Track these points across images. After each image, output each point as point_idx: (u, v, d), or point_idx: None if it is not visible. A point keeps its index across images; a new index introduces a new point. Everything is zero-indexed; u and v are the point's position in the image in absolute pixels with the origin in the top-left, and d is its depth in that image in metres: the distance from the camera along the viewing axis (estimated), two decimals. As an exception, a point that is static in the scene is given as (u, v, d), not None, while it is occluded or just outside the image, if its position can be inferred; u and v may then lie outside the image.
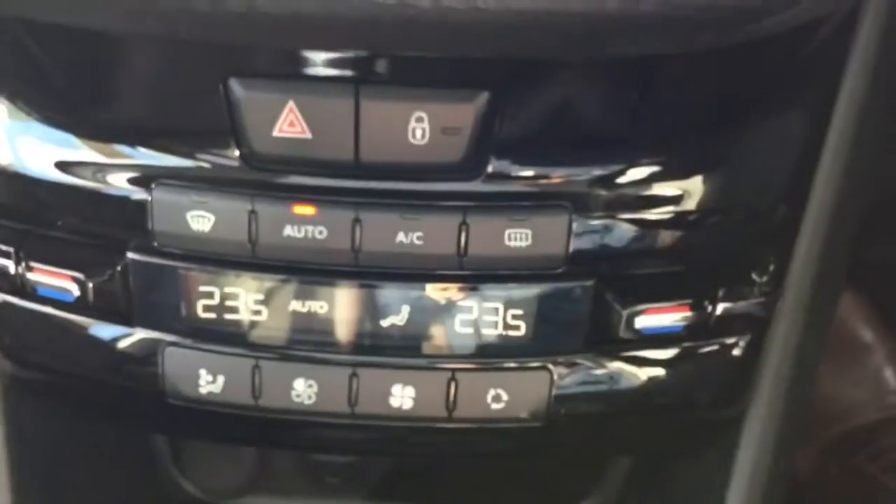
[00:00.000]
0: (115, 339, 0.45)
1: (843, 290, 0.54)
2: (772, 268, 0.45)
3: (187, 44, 0.40)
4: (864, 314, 0.88)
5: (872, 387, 0.87)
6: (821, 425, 0.86)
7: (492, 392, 0.44)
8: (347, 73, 0.40)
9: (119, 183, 0.42)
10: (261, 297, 0.43)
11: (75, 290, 0.43)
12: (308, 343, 0.44)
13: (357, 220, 0.41)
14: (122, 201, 0.42)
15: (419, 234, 0.42)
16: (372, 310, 0.43)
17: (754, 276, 0.45)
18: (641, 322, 0.43)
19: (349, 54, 0.40)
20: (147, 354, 0.44)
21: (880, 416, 0.86)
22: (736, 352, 0.45)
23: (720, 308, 0.44)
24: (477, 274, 0.43)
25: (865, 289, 0.87)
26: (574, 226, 0.42)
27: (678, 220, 0.43)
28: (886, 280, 0.83)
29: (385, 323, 0.43)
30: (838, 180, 0.46)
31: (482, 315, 0.43)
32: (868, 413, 0.86)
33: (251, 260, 0.42)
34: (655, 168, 0.42)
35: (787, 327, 0.46)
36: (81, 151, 0.42)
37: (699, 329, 0.44)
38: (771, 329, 0.46)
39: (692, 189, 0.43)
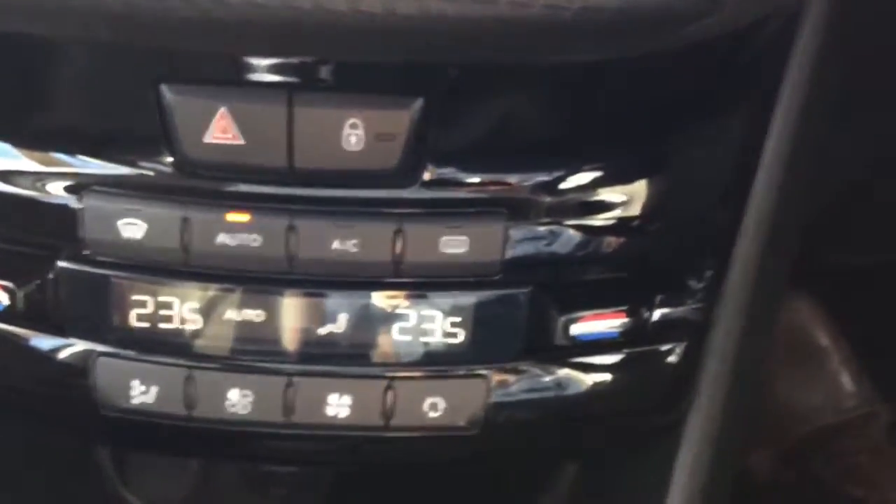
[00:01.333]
0: (47, 349, 0.44)
1: (784, 296, 0.54)
2: (709, 274, 0.45)
3: (117, 49, 0.39)
4: (821, 319, 0.89)
5: (829, 391, 0.88)
6: (778, 430, 0.87)
7: (429, 400, 0.43)
8: (280, 78, 0.40)
9: (49, 190, 0.42)
10: (194, 305, 0.42)
11: (5, 299, 0.43)
12: (243, 352, 0.43)
13: (292, 228, 0.41)
14: (52, 209, 0.42)
15: (355, 241, 0.41)
16: (308, 318, 0.43)
17: (691, 283, 0.45)
18: (577, 329, 0.43)
19: (282, 60, 0.40)
20: (79, 364, 0.43)
21: (837, 421, 0.87)
22: (673, 358, 0.45)
23: (657, 314, 0.44)
24: (414, 281, 0.43)
25: (821, 294, 0.88)
26: (510, 233, 0.42)
27: (614, 227, 0.43)
28: (841, 285, 0.84)
29: (322, 331, 0.43)
30: (776, 187, 0.46)
31: (420, 322, 0.43)
32: (825, 417, 0.87)
33: (184, 268, 0.42)
34: (591, 175, 0.42)
35: (725, 333, 0.46)
36: (10, 158, 0.42)
37: (636, 335, 0.44)
38: (709, 335, 0.46)
39: (628, 196, 0.43)
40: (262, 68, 0.39)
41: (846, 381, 0.89)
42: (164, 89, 0.39)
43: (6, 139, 0.41)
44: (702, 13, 0.31)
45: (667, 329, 0.45)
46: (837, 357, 0.91)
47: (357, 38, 0.32)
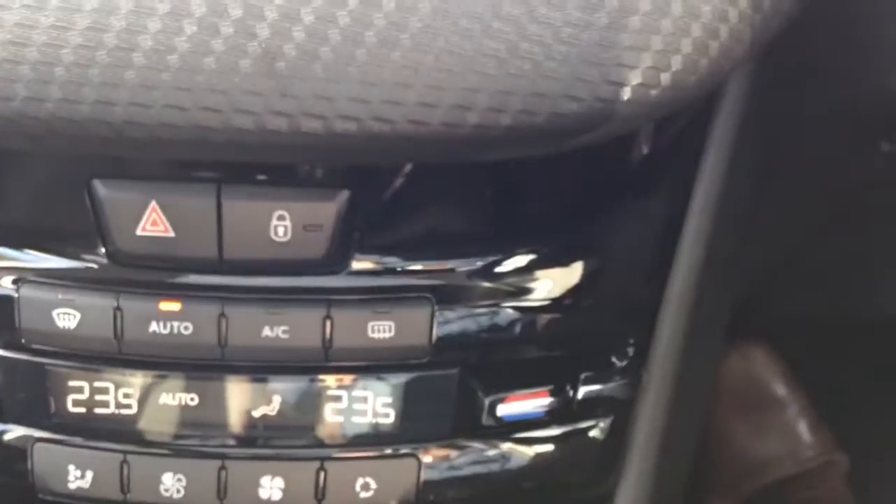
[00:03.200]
0: (-12, 439, 0.45)
1: (714, 365, 0.56)
2: (632, 351, 0.47)
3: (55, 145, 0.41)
4: (777, 369, 0.91)
5: (787, 441, 0.89)
6: (736, 480, 0.88)
7: (360, 480, 0.44)
8: (209, 174, 0.41)
9: None
10: (128, 391, 0.43)
11: (-57, 389, 0.44)
12: (177, 436, 0.44)
13: (222, 315, 0.42)
14: None
15: (285, 327, 0.42)
16: (240, 402, 0.44)
17: (615, 360, 0.46)
18: (503, 409, 0.44)
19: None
20: (16, 450, 0.44)
21: (795, 471, 0.88)
22: (599, 433, 0.46)
23: (582, 392, 0.45)
24: (344, 365, 0.44)
25: (777, 344, 0.89)
26: (436, 317, 0.43)
27: (538, 310, 0.44)
28: (797, 334, 0.86)
29: (254, 414, 0.44)
30: (698, 263, 0.47)
31: (350, 404, 0.44)
32: (783, 467, 0.88)
33: (118, 356, 0.43)
34: (515, 261, 0.44)
35: (652, 407, 0.48)
36: None
37: (561, 414, 0.45)
38: (635, 409, 0.47)
39: (553, 280, 0.44)
40: (191, 164, 0.41)
41: (804, 430, 0.90)
42: (97, 185, 0.41)
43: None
44: (592, 125, 0.33)
45: (593, 406, 0.46)
46: (795, 406, 0.92)
47: (267, 150, 0.34)
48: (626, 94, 0.32)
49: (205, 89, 0.31)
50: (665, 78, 0.32)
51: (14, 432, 0.44)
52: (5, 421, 0.44)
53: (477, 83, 0.32)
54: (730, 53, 0.32)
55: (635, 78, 0.32)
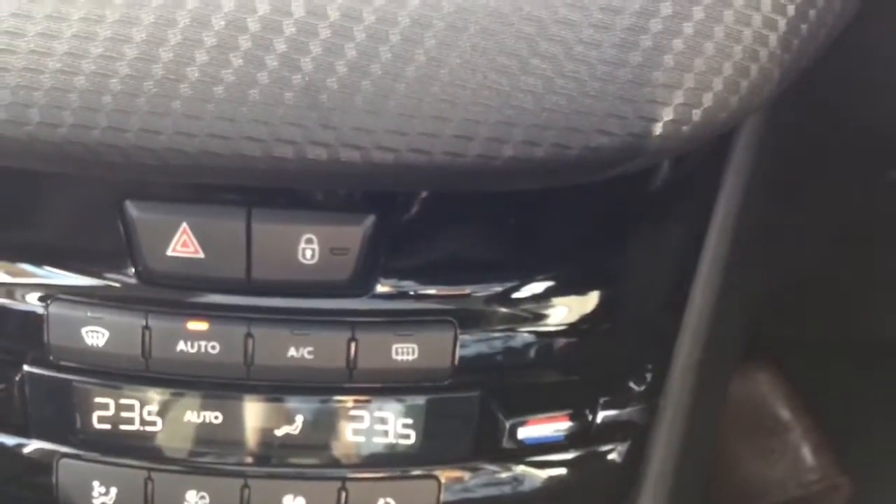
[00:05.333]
0: (11, 450, 0.45)
1: (727, 391, 0.56)
2: (649, 377, 0.47)
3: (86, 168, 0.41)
4: (781, 392, 0.91)
5: (791, 465, 0.90)
6: (739, 502, 0.88)
7: (381, 501, 0.45)
8: (239, 197, 0.42)
9: (17, 298, 0.43)
10: (154, 409, 0.44)
11: (-29, 403, 0.45)
12: (200, 454, 0.45)
13: (249, 336, 0.43)
14: (20, 316, 0.43)
15: (310, 348, 0.43)
16: (264, 421, 0.44)
17: (633, 385, 0.47)
18: (524, 433, 0.45)
19: None
20: (42, 465, 0.45)
21: (798, 494, 0.88)
22: (616, 457, 0.47)
23: (600, 417, 0.46)
24: (367, 386, 0.44)
25: (782, 367, 0.90)
26: (459, 340, 0.44)
27: (559, 335, 0.45)
28: (801, 358, 0.86)
29: (278, 433, 0.45)
30: (715, 290, 0.48)
31: (372, 425, 0.45)
32: (786, 490, 0.89)
33: (145, 374, 0.44)
34: (537, 287, 0.44)
35: (669, 431, 0.48)
36: None
37: (580, 438, 0.46)
38: (652, 434, 0.48)
39: (572, 306, 0.45)
40: (222, 187, 0.42)
41: (808, 454, 0.91)
42: (129, 206, 0.41)
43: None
44: (623, 159, 0.33)
45: (611, 430, 0.47)
46: (799, 430, 0.92)
47: (305, 179, 0.35)
48: (658, 129, 0.33)
49: (248, 120, 0.32)
50: (696, 114, 0.33)
51: (40, 448, 0.45)
52: (31, 436, 0.45)
53: (513, 117, 0.32)
54: (759, 91, 0.33)
55: (667, 115, 0.33)
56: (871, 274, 0.74)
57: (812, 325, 0.82)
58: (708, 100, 0.33)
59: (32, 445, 0.45)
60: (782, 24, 0.33)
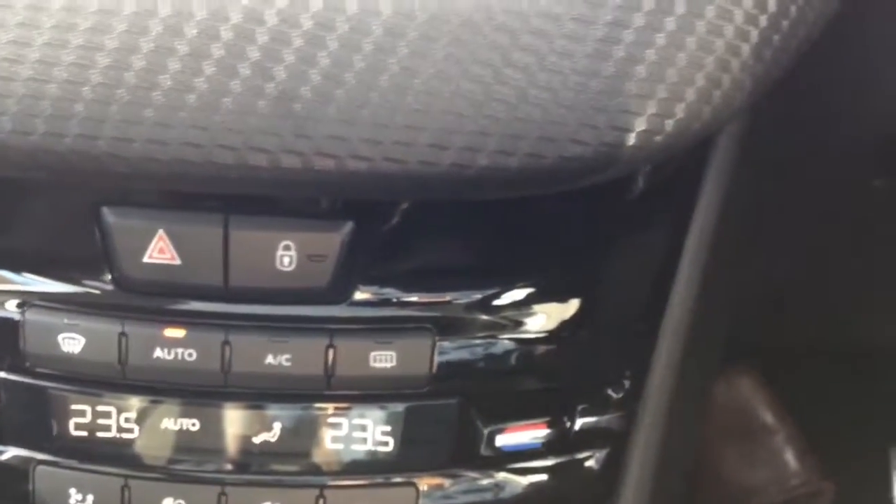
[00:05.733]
0: (-11, 459, 0.46)
1: (706, 398, 0.57)
2: (628, 384, 0.47)
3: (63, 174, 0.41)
4: (764, 397, 0.92)
5: (774, 469, 0.90)
6: (724, 507, 0.89)
7: (359, 508, 0.45)
8: (216, 203, 0.41)
9: None
10: (131, 416, 0.44)
11: (-53, 411, 0.44)
12: (178, 461, 0.44)
13: (226, 343, 0.43)
14: None
15: (287, 355, 0.43)
16: (242, 429, 0.44)
17: (611, 392, 0.47)
18: (502, 440, 0.45)
19: None
20: (18, 472, 0.44)
21: (782, 499, 0.89)
22: (594, 465, 0.47)
23: (578, 424, 0.46)
24: (345, 394, 0.44)
25: (765, 372, 0.90)
26: (437, 347, 0.44)
27: (537, 342, 0.45)
28: (783, 363, 0.87)
29: (255, 441, 0.45)
30: (693, 298, 0.48)
31: (351, 432, 0.45)
32: (770, 495, 0.89)
33: (122, 381, 0.43)
34: (513, 294, 0.44)
35: (647, 438, 0.48)
36: None
37: (558, 445, 0.46)
38: (630, 441, 0.48)
39: (550, 313, 0.45)
40: (199, 194, 0.42)
41: (791, 458, 0.91)
42: (105, 212, 0.41)
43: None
44: (597, 169, 0.33)
45: (589, 437, 0.46)
46: (782, 435, 0.93)
47: (279, 186, 0.35)
48: (631, 139, 0.33)
49: (221, 128, 0.32)
50: (669, 125, 0.33)
51: (16, 455, 0.45)
52: (7, 443, 0.45)
53: (486, 127, 0.32)
54: (731, 101, 0.33)
55: (640, 125, 0.33)
56: (851, 280, 0.74)
57: (792, 331, 0.83)
58: (680, 110, 0.33)
59: (8, 453, 0.45)
60: (754, 34, 0.33)
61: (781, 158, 0.53)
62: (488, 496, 0.46)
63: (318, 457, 0.45)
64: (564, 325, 0.45)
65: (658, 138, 0.33)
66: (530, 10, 0.31)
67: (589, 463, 0.47)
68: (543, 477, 0.46)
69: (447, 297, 0.44)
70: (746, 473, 0.90)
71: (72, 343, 0.43)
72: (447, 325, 0.44)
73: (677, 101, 0.33)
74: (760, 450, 0.91)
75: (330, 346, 0.43)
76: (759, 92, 0.34)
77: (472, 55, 0.32)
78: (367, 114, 0.32)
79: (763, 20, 0.33)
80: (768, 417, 0.92)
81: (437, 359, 0.44)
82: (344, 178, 0.33)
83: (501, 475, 0.46)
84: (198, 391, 0.44)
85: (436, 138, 0.32)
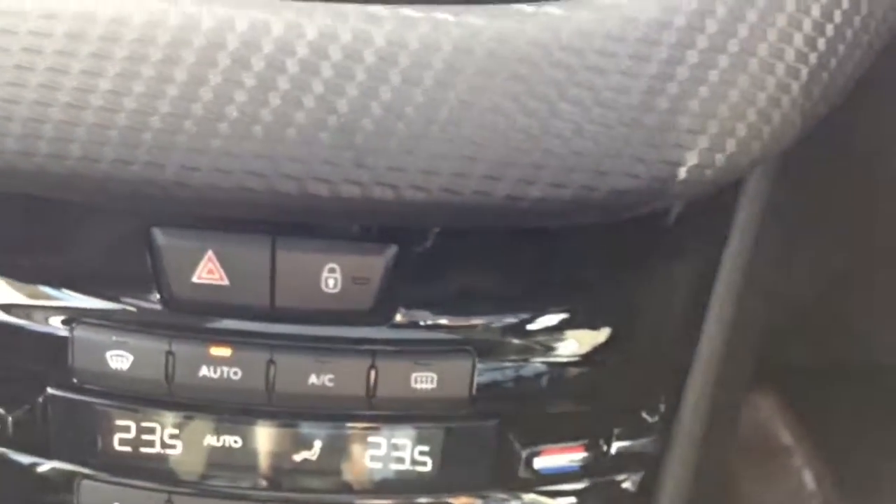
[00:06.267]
0: (33, 471, 0.46)
1: (738, 422, 0.57)
2: (663, 408, 0.48)
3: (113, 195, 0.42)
4: (784, 417, 0.92)
5: (792, 490, 0.90)
6: (741, 527, 0.89)
7: (397, 527, 0.46)
8: (264, 226, 0.42)
9: (42, 321, 0.44)
10: (175, 432, 0.45)
11: (-6, 424, 0.45)
12: (220, 478, 0.45)
13: (271, 362, 0.44)
14: (45, 339, 0.44)
15: (330, 376, 0.44)
16: (283, 447, 0.45)
17: (646, 416, 0.48)
18: (540, 462, 0.46)
19: None
20: (63, 487, 0.45)
21: (799, 519, 0.89)
22: (629, 487, 0.48)
23: (614, 447, 0.47)
24: (385, 414, 0.45)
25: (785, 392, 0.91)
26: (477, 370, 0.44)
27: (575, 365, 0.46)
28: (804, 383, 0.87)
29: (296, 458, 0.45)
30: (727, 323, 0.49)
31: (390, 452, 0.45)
32: (788, 516, 0.89)
33: (167, 398, 0.44)
34: (553, 319, 0.45)
35: (681, 461, 0.49)
36: (10, 292, 0.44)
37: (594, 468, 0.46)
38: (664, 463, 0.49)
39: (586, 338, 0.46)
40: (248, 217, 0.43)
41: (809, 479, 0.92)
42: (156, 233, 0.42)
43: (7, 274, 0.44)
44: (647, 202, 0.34)
45: (624, 460, 0.47)
46: (801, 455, 0.93)
47: (337, 215, 0.36)
48: (682, 173, 0.34)
49: (285, 158, 0.33)
50: (719, 159, 0.34)
51: (62, 469, 0.45)
52: (53, 457, 0.45)
53: (541, 160, 0.33)
54: (781, 137, 0.34)
55: (692, 159, 0.34)
56: (873, 300, 0.75)
57: (814, 351, 0.83)
58: (731, 146, 0.34)
59: (54, 467, 0.46)
60: (805, 72, 0.34)
61: (815, 181, 0.53)
62: (525, 516, 0.47)
63: (356, 476, 0.46)
64: (601, 350, 0.46)
65: (708, 172, 0.34)
66: (588, 48, 0.32)
67: (624, 485, 0.48)
68: (579, 499, 0.47)
69: (487, 320, 0.45)
70: (764, 494, 0.90)
71: (119, 360, 0.44)
72: (487, 348, 0.45)
73: (728, 137, 0.33)
74: (779, 470, 0.92)
75: (372, 366, 0.44)
76: (808, 127, 0.35)
77: (530, 90, 0.32)
78: (425, 146, 0.33)
79: (813, 58, 0.33)
80: (787, 438, 0.93)
81: (476, 381, 0.44)
82: (400, 207, 0.34)
83: (538, 497, 0.47)
84: (241, 409, 0.45)
85: (491, 170, 0.33)
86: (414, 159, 0.33)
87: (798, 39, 0.33)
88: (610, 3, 0.32)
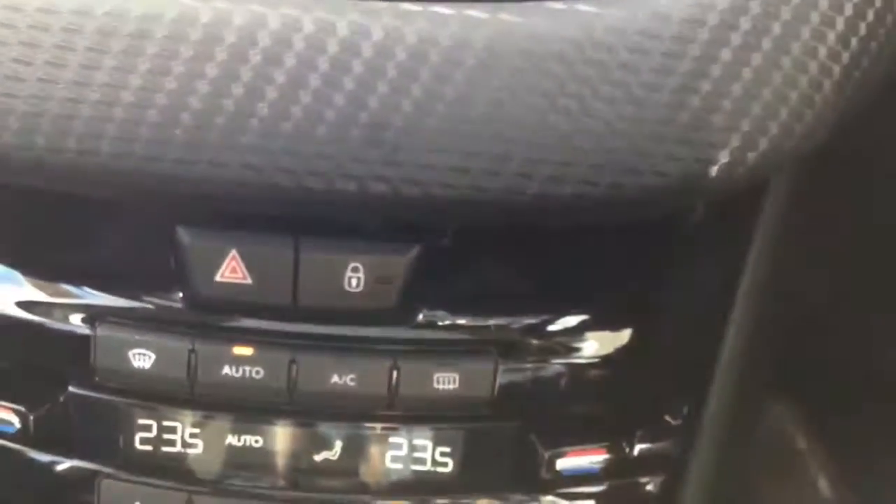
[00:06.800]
0: (54, 469, 0.46)
1: (757, 425, 0.57)
2: (685, 410, 0.48)
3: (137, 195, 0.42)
4: (801, 422, 0.91)
5: (807, 496, 0.90)
6: (756, 533, 0.88)
7: (418, 527, 0.46)
8: (287, 225, 0.42)
9: (65, 319, 0.44)
10: (196, 431, 0.45)
11: (17, 422, 0.45)
12: (241, 477, 0.45)
13: (293, 362, 0.43)
14: (67, 337, 0.44)
15: (353, 375, 0.44)
16: (304, 446, 0.45)
17: (669, 419, 0.48)
18: (562, 464, 0.45)
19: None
20: (84, 485, 0.45)
21: (814, 525, 0.88)
22: (652, 489, 0.47)
23: (636, 450, 0.47)
24: (407, 414, 0.45)
25: (801, 397, 0.90)
26: (499, 370, 0.44)
27: (598, 367, 0.46)
28: (820, 388, 0.86)
29: (317, 458, 0.45)
30: (749, 328, 0.49)
31: (411, 452, 0.45)
32: (802, 522, 0.89)
33: (189, 397, 0.44)
34: (576, 319, 0.45)
35: (703, 464, 0.49)
36: (33, 290, 0.44)
37: (616, 470, 0.46)
38: (686, 466, 0.48)
39: (609, 340, 0.46)
40: (271, 216, 0.42)
41: (824, 485, 0.91)
42: (180, 231, 0.42)
43: (30, 272, 0.44)
44: (679, 198, 0.34)
45: (646, 462, 0.47)
46: (816, 460, 0.93)
47: (364, 212, 0.35)
48: (714, 171, 0.34)
49: (314, 155, 0.33)
50: (751, 157, 0.33)
51: (83, 467, 0.45)
52: (74, 456, 0.45)
53: (572, 158, 0.33)
54: (813, 135, 0.34)
55: (724, 157, 0.33)
56: (893, 304, 0.74)
57: (829, 356, 0.83)
58: (763, 143, 0.33)
59: (76, 465, 0.45)
60: (837, 71, 0.33)
61: (840, 182, 0.53)
62: (546, 518, 0.47)
63: (377, 475, 0.45)
64: (623, 351, 0.46)
65: (740, 170, 0.34)
66: (621, 45, 0.32)
67: (646, 488, 0.47)
68: (600, 502, 0.47)
69: (510, 321, 0.45)
70: (779, 499, 0.90)
71: (142, 359, 0.44)
72: (509, 349, 0.44)
73: (761, 135, 0.33)
74: (793, 475, 0.91)
75: (394, 366, 0.43)
76: (839, 126, 0.35)
77: (561, 88, 0.32)
78: (456, 143, 0.33)
79: (845, 57, 0.33)
80: (802, 442, 0.92)
81: (499, 381, 0.44)
82: (428, 205, 0.33)
83: (559, 499, 0.47)
84: (263, 408, 0.44)
85: (522, 168, 0.33)
86: (444, 157, 0.33)
87: (831, 38, 0.33)
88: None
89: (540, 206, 0.33)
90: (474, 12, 0.32)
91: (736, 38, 0.32)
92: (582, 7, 0.32)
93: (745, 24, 0.32)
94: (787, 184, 0.48)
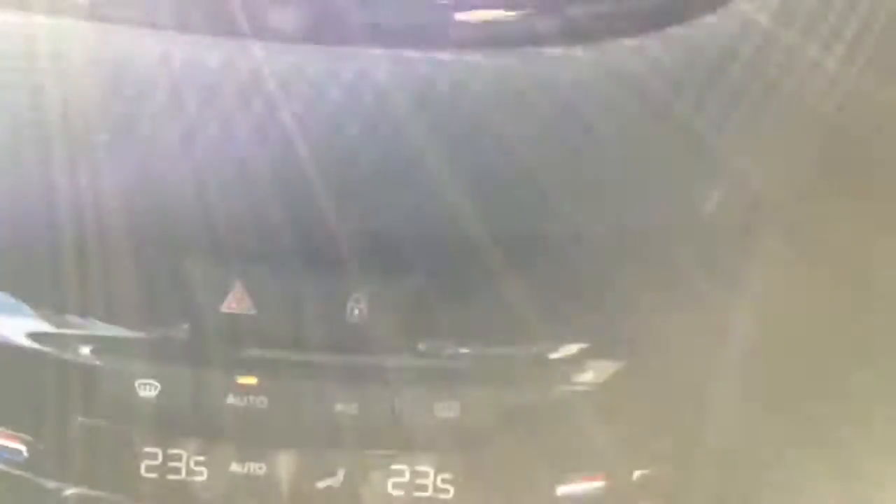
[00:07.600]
0: (61, 496, 0.46)
1: (757, 448, 0.57)
2: (684, 435, 0.48)
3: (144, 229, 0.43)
4: (798, 441, 0.91)
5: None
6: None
7: (418, 554, 0.46)
8: (291, 257, 0.43)
9: (71, 349, 0.45)
10: (201, 459, 0.45)
11: (25, 451, 0.46)
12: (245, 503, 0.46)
13: (297, 391, 0.44)
14: (74, 366, 0.45)
15: (355, 403, 0.44)
16: (308, 473, 0.46)
17: (667, 444, 0.48)
18: (562, 490, 0.46)
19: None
20: None
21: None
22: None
23: (636, 475, 0.47)
24: (408, 441, 0.45)
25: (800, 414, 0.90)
26: (499, 398, 0.45)
27: (598, 395, 0.46)
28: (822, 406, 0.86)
29: (320, 486, 0.46)
30: (746, 354, 0.49)
31: (413, 479, 0.46)
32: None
33: (194, 425, 0.45)
34: (574, 348, 0.45)
35: (702, 490, 0.49)
36: (42, 322, 0.45)
37: (615, 497, 0.47)
38: (685, 493, 0.49)
39: (610, 367, 0.46)
40: (275, 247, 0.43)
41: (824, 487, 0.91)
42: (185, 263, 0.43)
43: (38, 304, 0.45)
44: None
45: (645, 490, 0.47)
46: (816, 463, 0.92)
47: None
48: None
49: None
50: None
51: (88, 495, 0.46)
52: (79, 483, 0.46)
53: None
54: None
55: None
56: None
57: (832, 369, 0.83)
58: None
59: (83, 492, 0.46)
60: None
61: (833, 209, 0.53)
62: (544, 545, 0.47)
63: (380, 502, 0.46)
64: (622, 378, 0.47)
65: None
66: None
67: (645, 515, 0.48)
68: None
69: (511, 349, 0.46)
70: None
71: (148, 388, 0.45)
72: (511, 378, 0.45)
73: None
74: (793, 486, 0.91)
75: (395, 394, 0.44)
76: None
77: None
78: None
79: None
80: (802, 456, 0.92)
81: (498, 409, 0.45)
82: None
83: (558, 525, 0.47)
84: (267, 437, 0.45)
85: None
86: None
87: None
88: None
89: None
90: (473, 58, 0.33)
91: None
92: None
93: None
94: (783, 209, 0.48)
